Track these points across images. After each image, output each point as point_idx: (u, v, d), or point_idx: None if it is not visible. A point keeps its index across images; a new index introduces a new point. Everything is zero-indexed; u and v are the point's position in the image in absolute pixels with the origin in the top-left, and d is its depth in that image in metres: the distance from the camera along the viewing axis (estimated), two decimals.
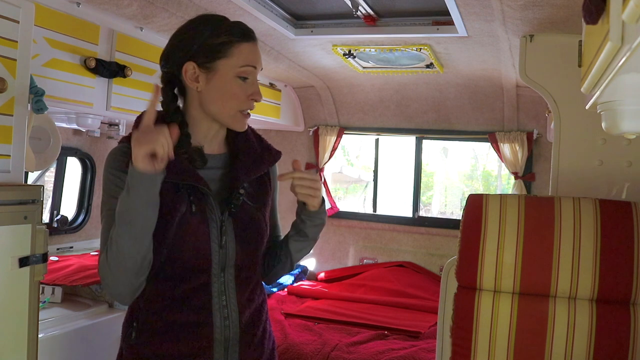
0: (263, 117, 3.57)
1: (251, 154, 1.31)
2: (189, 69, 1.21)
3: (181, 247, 1.18)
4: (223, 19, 1.25)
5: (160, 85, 1.23)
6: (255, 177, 1.30)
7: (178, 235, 1.17)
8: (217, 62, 1.19)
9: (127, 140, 1.19)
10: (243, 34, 1.22)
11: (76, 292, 2.49)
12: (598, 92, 0.97)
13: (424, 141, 4.14)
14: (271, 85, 3.70)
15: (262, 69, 1.27)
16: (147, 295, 1.22)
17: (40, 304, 1.53)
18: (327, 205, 3.82)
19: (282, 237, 1.43)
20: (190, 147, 1.24)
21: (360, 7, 2.38)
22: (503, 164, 3.81)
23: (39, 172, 2.70)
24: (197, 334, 1.20)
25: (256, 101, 1.25)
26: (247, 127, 1.30)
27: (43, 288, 2.38)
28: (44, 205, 1.52)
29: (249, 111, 1.26)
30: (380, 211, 4.35)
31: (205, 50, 1.20)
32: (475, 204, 1.62)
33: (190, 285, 1.20)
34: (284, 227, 1.45)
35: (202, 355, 1.20)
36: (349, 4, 2.34)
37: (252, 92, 1.24)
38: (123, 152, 1.19)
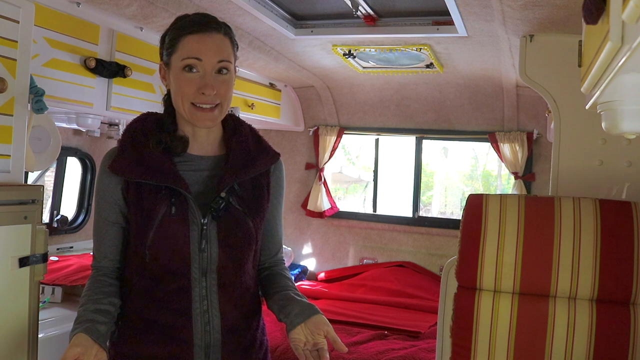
0: (263, 117, 3.57)
1: (243, 155, 1.26)
2: (161, 69, 1.25)
3: (160, 249, 1.17)
4: (186, 16, 1.23)
5: None
6: (245, 179, 1.24)
7: (157, 237, 1.16)
8: (171, 58, 1.20)
9: (120, 142, 1.24)
10: (191, 26, 1.18)
11: (76, 292, 2.49)
12: (598, 92, 0.97)
13: (424, 141, 4.14)
14: (271, 85, 3.69)
15: (224, 60, 1.18)
16: (131, 293, 1.22)
17: (40, 304, 1.52)
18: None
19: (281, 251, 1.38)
20: (172, 136, 1.23)
21: (360, 7, 2.38)
22: (503, 164, 3.81)
23: (39, 172, 2.69)
24: (176, 337, 1.19)
25: (205, 94, 1.16)
26: (210, 123, 1.20)
27: (43, 288, 2.38)
28: (44, 205, 1.52)
29: (207, 106, 1.17)
30: (380, 211, 4.34)
31: (165, 48, 1.22)
32: (475, 204, 1.62)
33: (170, 287, 1.19)
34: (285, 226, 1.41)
35: (181, 359, 1.19)
36: (349, 4, 2.34)
37: (201, 84, 1.16)
38: (110, 154, 1.24)
